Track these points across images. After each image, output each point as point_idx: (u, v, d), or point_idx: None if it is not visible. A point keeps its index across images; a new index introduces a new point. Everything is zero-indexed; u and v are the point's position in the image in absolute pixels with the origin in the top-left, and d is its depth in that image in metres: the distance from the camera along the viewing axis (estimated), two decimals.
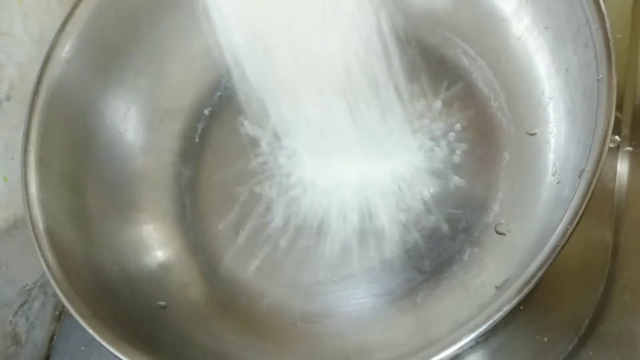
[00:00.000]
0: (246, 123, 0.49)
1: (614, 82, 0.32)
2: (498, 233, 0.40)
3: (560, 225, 0.30)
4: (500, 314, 0.30)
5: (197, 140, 0.49)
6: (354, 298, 0.41)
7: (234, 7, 0.35)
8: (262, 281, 0.43)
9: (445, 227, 0.42)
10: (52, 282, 0.36)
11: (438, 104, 0.46)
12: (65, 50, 0.41)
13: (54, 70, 0.41)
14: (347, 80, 0.37)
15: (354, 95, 0.39)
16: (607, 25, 0.33)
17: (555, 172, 0.37)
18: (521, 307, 0.36)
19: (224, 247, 0.45)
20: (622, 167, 0.41)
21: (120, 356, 0.33)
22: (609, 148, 0.31)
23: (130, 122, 0.46)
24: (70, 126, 0.41)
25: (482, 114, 0.45)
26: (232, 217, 0.46)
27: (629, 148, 0.41)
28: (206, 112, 0.50)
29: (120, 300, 0.38)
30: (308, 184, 0.45)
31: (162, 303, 0.40)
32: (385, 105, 0.40)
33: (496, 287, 0.37)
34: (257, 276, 0.43)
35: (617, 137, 0.42)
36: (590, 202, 0.30)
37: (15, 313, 0.45)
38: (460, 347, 0.29)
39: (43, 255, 0.36)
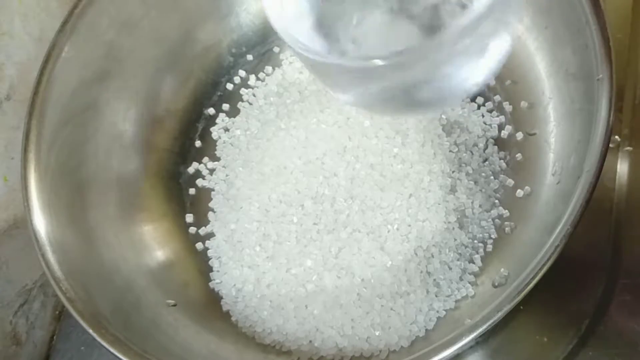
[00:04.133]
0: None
1: (614, 82, 0.32)
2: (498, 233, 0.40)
3: (560, 225, 0.31)
4: (500, 314, 0.30)
5: (197, 140, 0.49)
6: None
7: None
8: None
9: None
10: (52, 282, 0.36)
11: None
12: (65, 50, 0.41)
13: (54, 70, 0.40)
14: None
15: None
16: (607, 25, 0.33)
17: (555, 172, 0.37)
18: (521, 307, 0.36)
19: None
20: (622, 167, 0.41)
21: (120, 356, 0.33)
22: (609, 148, 0.31)
23: (130, 122, 0.46)
24: (70, 126, 0.41)
25: None
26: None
27: (629, 148, 0.41)
28: (206, 112, 0.50)
29: (120, 300, 0.38)
30: None
31: (171, 301, 0.40)
32: None
33: (495, 285, 0.37)
34: None
35: (617, 137, 0.42)
36: (590, 202, 0.30)
37: (15, 313, 0.45)
38: (460, 347, 0.30)
39: (43, 255, 0.36)
